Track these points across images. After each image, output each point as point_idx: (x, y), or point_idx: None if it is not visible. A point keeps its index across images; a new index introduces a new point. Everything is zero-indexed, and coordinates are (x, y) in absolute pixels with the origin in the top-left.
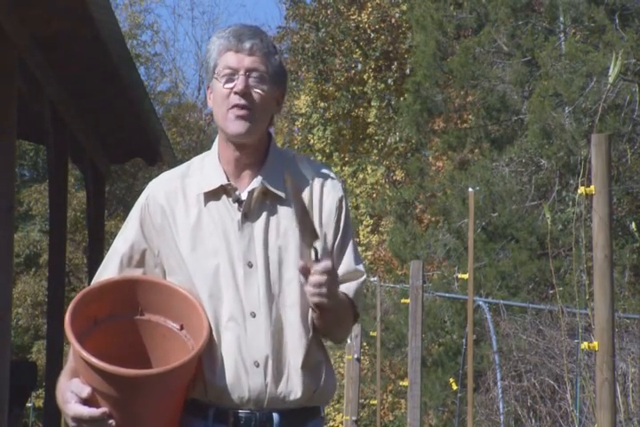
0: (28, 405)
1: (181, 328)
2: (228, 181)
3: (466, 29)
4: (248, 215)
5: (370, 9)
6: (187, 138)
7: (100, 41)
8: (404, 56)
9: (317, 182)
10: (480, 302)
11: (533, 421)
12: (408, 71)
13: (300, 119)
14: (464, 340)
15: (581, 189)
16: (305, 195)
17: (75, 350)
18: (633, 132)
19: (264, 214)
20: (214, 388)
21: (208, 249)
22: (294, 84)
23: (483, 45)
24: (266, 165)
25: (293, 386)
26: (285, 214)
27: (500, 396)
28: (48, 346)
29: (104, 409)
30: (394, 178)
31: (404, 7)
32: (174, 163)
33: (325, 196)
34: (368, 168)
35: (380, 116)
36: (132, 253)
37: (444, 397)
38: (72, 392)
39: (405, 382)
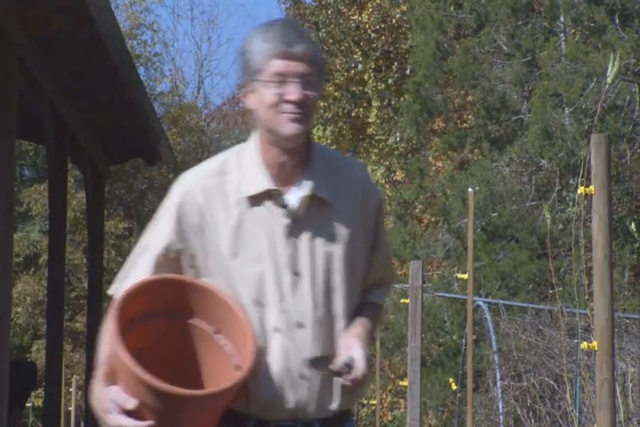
0: (28, 405)
1: (217, 332)
2: (274, 185)
3: (466, 29)
4: (297, 221)
5: (370, 9)
6: (186, 138)
7: (100, 41)
8: (405, 56)
9: (361, 185)
10: (480, 302)
11: (533, 421)
12: (408, 71)
13: None
14: (464, 340)
15: (581, 189)
16: (349, 199)
17: (122, 362)
18: (633, 133)
19: (310, 220)
20: (258, 400)
21: (252, 254)
22: None
23: (483, 45)
24: (311, 168)
25: (337, 396)
26: (331, 220)
27: (500, 396)
28: (47, 346)
29: (150, 423)
30: (394, 178)
31: (405, 7)
32: (174, 163)
33: (369, 198)
34: (368, 168)
35: (380, 116)
36: (166, 252)
37: (444, 397)
38: (113, 402)
39: (405, 382)
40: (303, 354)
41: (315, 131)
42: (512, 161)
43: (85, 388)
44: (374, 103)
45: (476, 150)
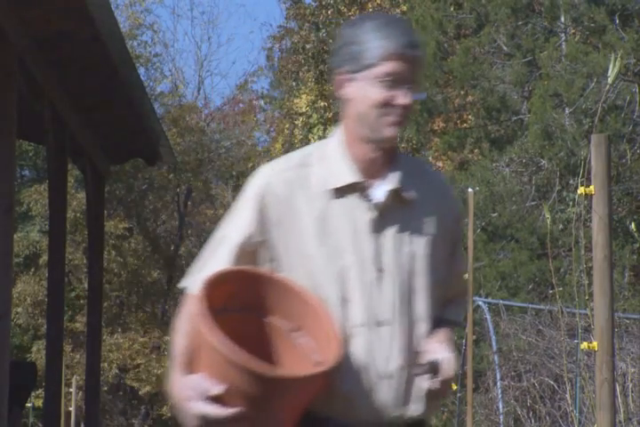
0: (28, 405)
1: (295, 329)
2: (360, 178)
3: (466, 29)
4: (382, 216)
5: (370, 9)
6: (186, 138)
7: (100, 41)
8: None
9: (442, 191)
10: (480, 303)
11: (533, 421)
12: None
13: (301, 118)
14: (464, 340)
15: (581, 190)
16: (432, 200)
17: (212, 345)
18: (633, 133)
19: (395, 217)
20: (337, 400)
21: (335, 248)
22: (294, 84)
23: (483, 45)
24: (397, 166)
25: (418, 400)
26: (415, 219)
27: (500, 396)
28: (47, 346)
29: (240, 409)
30: None
31: (405, 7)
32: (174, 163)
33: (451, 204)
34: None
35: None
36: (245, 245)
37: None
38: (196, 389)
39: None
40: (384, 353)
41: (315, 131)
42: (512, 161)
43: (85, 388)
44: None
45: (476, 150)
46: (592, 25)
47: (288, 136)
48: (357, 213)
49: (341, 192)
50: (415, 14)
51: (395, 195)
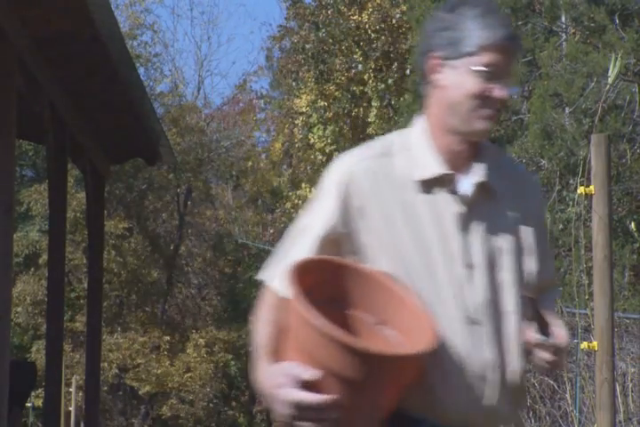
0: (28, 405)
1: (382, 323)
2: (447, 170)
3: None
4: (469, 210)
5: (370, 9)
6: (186, 138)
7: (100, 41)
8: (405, 56)
9: (527, 183)
10: None
11: (533, 421)
12: (408, 71)
13: (301, 118)
14: None
15: (581, 189)
16: (517, 194)
17: (310, 325)
18: (633, 133)
19: (481, 210)
20: (430, 399)
21: (424, 242)
22: (294, 83)
23: None
24: (482, 157)
25: (509, 403)
26: (501, 212)
27: None
28: (47, 346)
29: (336, 396)
30: None
31: (405, 7)
32: (174, 163)
33: (535, 198)
34: None
35: (380, 116)
36: (329, 235)
37: None
38: (288, 375)
39: None
40: (479, 352)
41: (315, 130)
42: None
43: (85, 388)
44: (374, 103)
45: None
46: (592, 25)
47: (288, 136)
48: (444, 206)
49: (427, 184)
50: (415, 14)
51: (481, 188)
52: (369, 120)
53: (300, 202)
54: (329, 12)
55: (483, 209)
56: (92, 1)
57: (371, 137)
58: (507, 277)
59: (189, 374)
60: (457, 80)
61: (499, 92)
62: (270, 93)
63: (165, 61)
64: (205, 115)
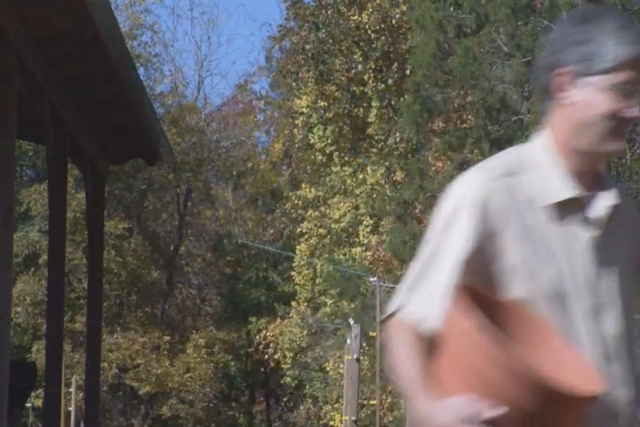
0: (28, 405)
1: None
2: (580, 193)
3: (466, 29)
4: (603, 234)
5: (370, 9)
6: (186, 138)
7: (100, 41)
8: (404, 56)
9: (630, 203)
10: None
11: None
12: (408, 71)
13: (301, 118)
14: None
15: None
16: (630, 217)
17: (504, 362)
18: (633, 133)
19: (610, 235)
20: None
21: (557, 268)
22: (294, 84)
23: (483, 45)
24: (607, 178)
25: None
26: (626, 238)
27: None
28: (47, 346)
29: None
30: (394, 178)
31: (405, 8)
32: (174, 163)
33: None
34: (368, 168)
35: (380, 116)
36: (469, 260)
37: None
38: (461, 413)
39: None
40: (615, 389)
41: (315, 131)
42: None
43: (85, 388)
44: (374, 103)
45: (476, 151)
46: None
47: (288, 136)
48: (576, 230)
49: (560, 207)
50: (415, 14)
51: (614, 210)
52: (369, 120)
53: (299, 202)
54: (329, 12)
55: (612, 234)
56: (91, 1)
57: (371, 137)
58: (630, 308)
59: (189, 375)
60: (589, 98)
61: (632, 111)
62: (270, 94)
63: (165, 62)
64: (205, 115)
